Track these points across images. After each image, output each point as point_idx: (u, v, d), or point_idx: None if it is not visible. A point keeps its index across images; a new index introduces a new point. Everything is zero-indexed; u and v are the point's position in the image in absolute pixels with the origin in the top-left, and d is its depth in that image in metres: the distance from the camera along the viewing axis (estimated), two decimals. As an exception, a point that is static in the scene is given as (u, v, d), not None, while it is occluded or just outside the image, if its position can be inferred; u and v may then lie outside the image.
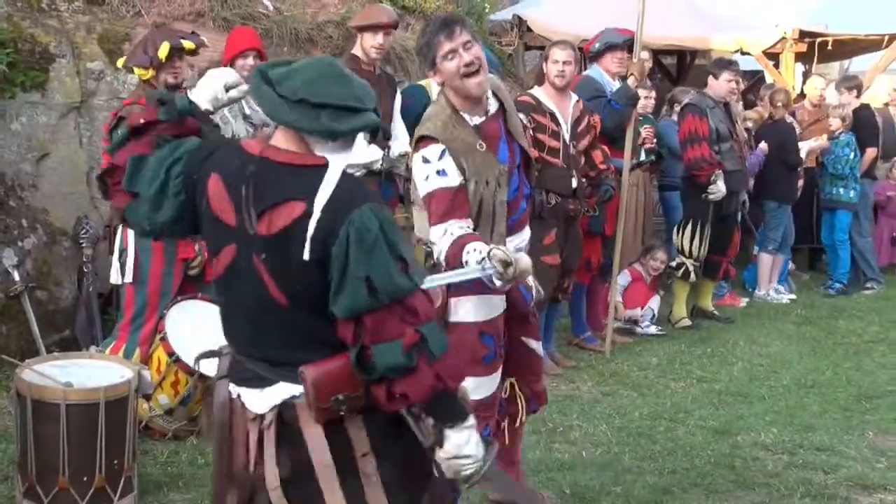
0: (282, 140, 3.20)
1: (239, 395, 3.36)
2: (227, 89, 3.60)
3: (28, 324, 6.54)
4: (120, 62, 6.37)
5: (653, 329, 9.22)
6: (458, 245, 4.47)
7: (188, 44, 6.23)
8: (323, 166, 3.13)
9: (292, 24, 8.55)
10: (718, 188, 9.03)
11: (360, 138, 6.94)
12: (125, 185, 3.34)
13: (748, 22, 12.57)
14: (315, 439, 3.24)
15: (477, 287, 4.64)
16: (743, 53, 12.55)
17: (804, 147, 10.52)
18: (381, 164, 7.04)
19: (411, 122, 7.47)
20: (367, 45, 7.12)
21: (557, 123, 7.40)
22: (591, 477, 5.76)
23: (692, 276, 9.37)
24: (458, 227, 4.55)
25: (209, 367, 5.64)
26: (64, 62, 7.53)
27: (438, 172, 4.60)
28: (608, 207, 8.26)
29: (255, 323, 3.25)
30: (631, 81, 8.20)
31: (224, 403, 3.41)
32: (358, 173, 7.01)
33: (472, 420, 3.30)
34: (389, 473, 3.28)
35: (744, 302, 10.60)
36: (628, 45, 8.43)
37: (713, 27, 12.30)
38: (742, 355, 8.54)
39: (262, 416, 3.30)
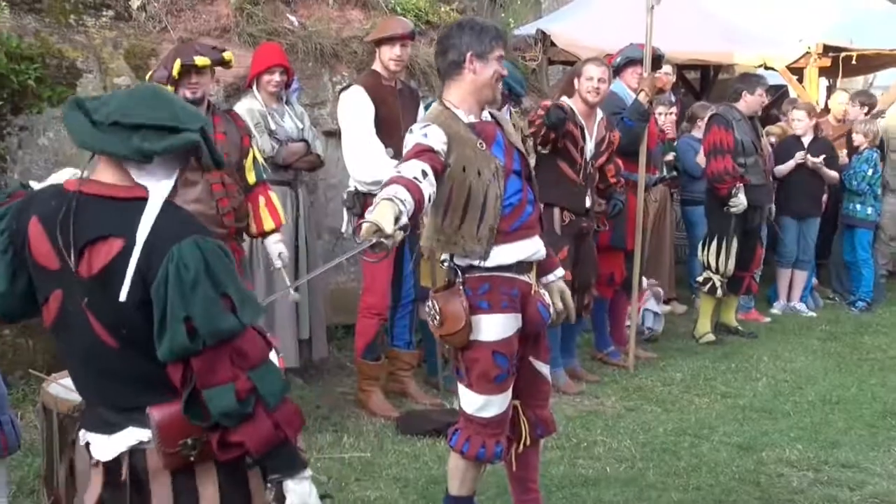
0: (102, 173, 2.97)
1: (88, 443, 3.15)
2: None
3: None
4: (147, 77, 6.36)
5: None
6: (385, 183, 4.33)
7: (201, 60, 6.14)
8: (143, 198, 2.91)
9: (317, 39, 8.57)
10: (739, 201, 9.02)
11: (384, 152, 6.93)
12: None
13: (772, 37, 12.52)
14: (160, 493, 3.05)
15: (496, 306, 4.71)
16: (766, 68, 12.52)
17: (785, 166, 10.39)
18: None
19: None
20: (385, 57, 7.12)
21: (584, 139, 7.42)
22: (616, 493, 5.75)
23: (718, 291, 9.34)
24: (405, 167, 4.43)
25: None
26: (91, 77, 7.57)
27: (423, 135, 4.61)
28: (629, 222, 8.26)
29: (92, 368, 3.03)
30: (642, 97, 8.19)
31: (83, 454, 3.19)
32: (379, 189, 7.02)
33: (309, 471, 3.07)
34: None
35: (768, 318, 10.57)
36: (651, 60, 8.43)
37: (737, 42, 12.27)
38: (766, 371, 8.51)
39: (107, 465, 3.08)
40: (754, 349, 9.23)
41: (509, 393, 4.82)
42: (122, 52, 7.81)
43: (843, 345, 9.60)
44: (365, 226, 4.07)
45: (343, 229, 7.35)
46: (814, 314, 10.78)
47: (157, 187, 2.94)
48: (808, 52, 12.24)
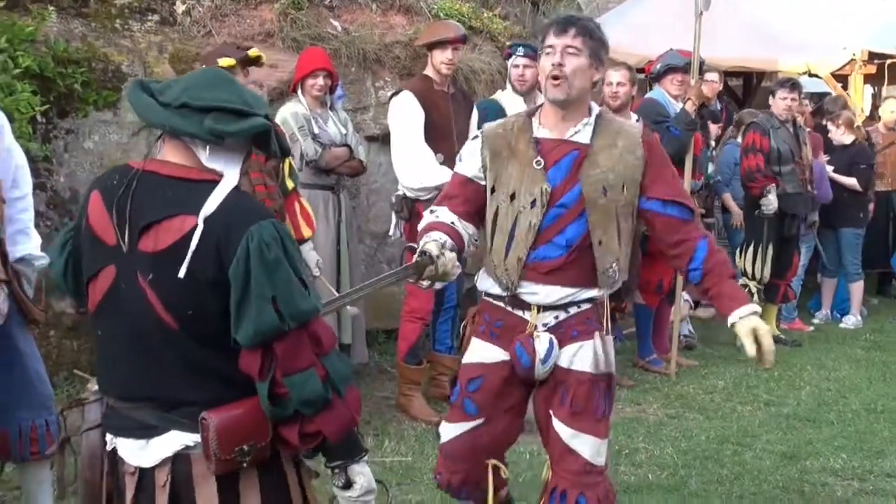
0: (169, 154, 2.94)
1: (115, 448, 3.00)
2: None
3: (98, 339, 6.59)
4: None
5: None
6: (423, 230, 4.20)
7: (225, 61, 5.99)
8: (215, 181, 2.87)
9: (360, 44, 8.59)
10: (770, 202, 9.02)
11: (433, 159, 6.92)
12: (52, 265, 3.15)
13: (816, 44, 12.45)
14: (205, 500, 2.91)
15: (476, 331, 4.40)
16: (811, 75, 12.45)
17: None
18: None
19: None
20: (437, 61, 7.13)
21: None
22: (658, 500, 5.73)
23: (754, 297, 9.29)
24: (440, 212, 4.28)
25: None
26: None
27: (459, 158, 4.39)
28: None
29: (141, 353, 2.88)
30: (689, 106, 8.15)
31: (94, 457, 3.05)
32: (428, 196, 7.07)
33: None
34: None
35: (811, 327, 10.49)
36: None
37: (781, 49, 12.21)
38: (810, 380, 8.45)
39: (143, 471, 2.94)
40: (797, 358, 9.16)
41: (467, 430, 4.35)
42: (166, 56, 7.85)
43: (888, 354, 9.51)
44: (423, 257, 3.97)
45: (391, 233, 7.39)
46: (850, 326, 10.66)
47: (229, 171, 2.90)
48: (852, 59, 12.17)
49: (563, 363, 4.18)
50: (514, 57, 7.81)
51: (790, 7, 13.42)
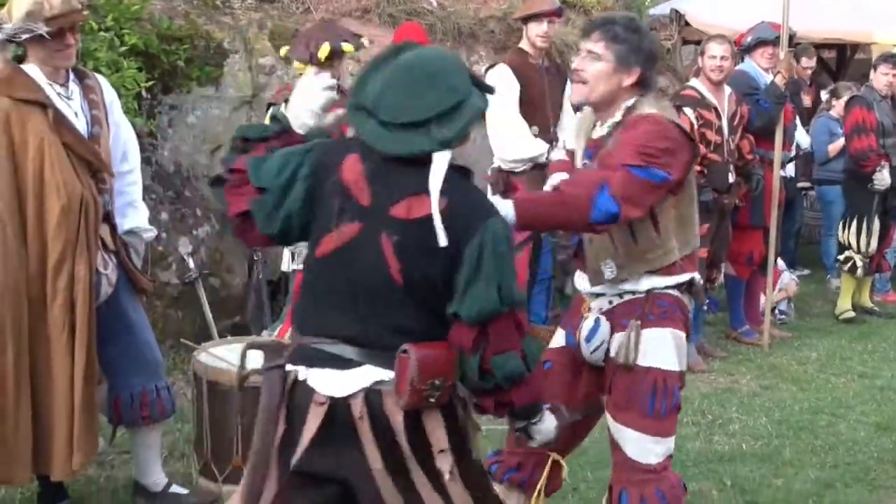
0: None
1: (306, 378, 3.21)
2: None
3: (202, 309, 6.69)
4: (283, 51, 6.39)
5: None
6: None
7: (348, 47, 6.10)
8: (453, 166, 3.12)
9: (455, 19, 8.58)
10: (884, 177, 8.83)
11: (528, 131, 6.81)
12: (253, 179, 3.22)
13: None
14: (397, 430, 3.14)
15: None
16: (908, 47, 12.17)
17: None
18: (547, 158, 6.96)
19: (578, 113, 7.46)
20: (532, 34, 7.10)
21: (719, 118, 7.34)
22: (752, 469, 5.66)
23: (860, 270, 9.14)
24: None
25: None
26: (237, 58, 7.68)
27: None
28: (767, 200, 8.11)
29: (357, 301, 3.16)
30: (779, 80, 8.00)
31: (274, 388, 3.23)
32: (523, 168, 7.02)
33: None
34: (463, 470, 3.23)
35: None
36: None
37: (875, 21, 11.93)
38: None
39: (334, 401, 3.16)
40: (891, 330, 8.98)
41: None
42: (266, 32, 7.91)
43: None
44: None
45: None
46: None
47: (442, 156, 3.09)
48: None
49: (611, 351, 4.02)
50: None
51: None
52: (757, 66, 8.34)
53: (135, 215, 4.86)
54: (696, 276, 4.11)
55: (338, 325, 3.19)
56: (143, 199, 5.07)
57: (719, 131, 7.32)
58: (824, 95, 11.03)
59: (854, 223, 9.07)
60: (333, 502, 3.26)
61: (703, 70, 7.52)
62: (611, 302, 4.06)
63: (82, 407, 4.45)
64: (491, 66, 7.25)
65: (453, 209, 3.06)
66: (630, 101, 3.95)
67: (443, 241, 3.03)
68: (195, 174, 7.48)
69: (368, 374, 3.15)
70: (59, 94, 4.48)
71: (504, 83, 6.99)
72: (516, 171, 6.99)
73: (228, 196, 3.28)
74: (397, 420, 3.14)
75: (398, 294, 3.12)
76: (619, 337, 3.98)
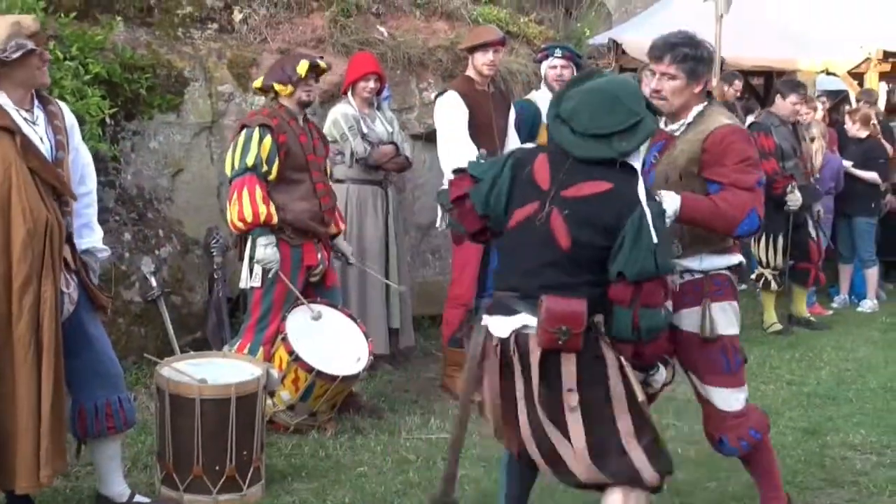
0: None
1: (488, 325, 3.98)
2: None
3: (164, 326, 6.64)
4: (257, 83, 6.37)
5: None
6: None
7: (323, 63, 6.35)
8: (624, 163, 3.87)
9: (405, 48, 8.58)
10: (796, 197, 8.88)
11: (477, 154, 6.92)
12: (471, 170, 4.16)
13: (833, 43, 12.34)
14: (534, 363, 3.84)
15: None
16: (829, 73, 12.34)
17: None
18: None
19: (523, 136, 7.49)
20: (479, 63, 7.12)
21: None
22: (689, 473, 5.68)
23: (772, 285, 9.23)
24: None
25: (327, 366, 5.76)
26: (197, 85, 7.64)
27: None
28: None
29: (530, 259, 3.90)
30: None
31: (477, 337, 4.01)
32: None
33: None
34: (594, 406, 3.84)
35: (829, 311, 10.37)
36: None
37: (800, 49, 12.12)
38: (830, 360, 8.36)
39: (501, 341, 3.91)
40: (817, 340, 9.07)
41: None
42: (225, 61, 7.87)
43: (904, 335, 9.43)
44: None
45: (437, 224, 7.43)
46: (866, 310, 10.52)
47: (636, 159, 3.92)
48: (868, 58, 12.06)
49: (682, 325, 4.56)
50: (551, 58, 7.78)
51: (809, 9, 13.30)
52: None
53: (91, 236, 4.83)
54: (742, 259, 4.77)
55: (511, 280, 3.98)
56: (107, 220, 5.06)
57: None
58: (750, 119, 11.14)
59: (763, 240, 9.15)
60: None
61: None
62: (673, 282, 4.44)
63: (51, 422, 4.40)
64: (441, 93, 7.25)
65: (619, 190, 3.83)
66: (700, 107, 4.57)
67: (607, 219, 3.79)
68: (157, 197, 7.43)
69: (521, 319, 3.88)
70: (25, 119, 4.45)
71: (453, 109, 7.02)
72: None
73: (453, 188, 4.23)
74: (535, 356, 3.83)
75: (562, 257, 3.84)
76: (687, 313, 4.54)
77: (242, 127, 6.13)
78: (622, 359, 3.90)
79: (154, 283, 6.79)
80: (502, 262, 4.10)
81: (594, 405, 3.84)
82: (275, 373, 5.42)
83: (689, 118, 4.57)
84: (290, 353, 5.97)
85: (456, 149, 6.98)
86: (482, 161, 4.29)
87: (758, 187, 4.45)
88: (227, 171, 6.13)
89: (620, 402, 3.88)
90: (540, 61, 7.95)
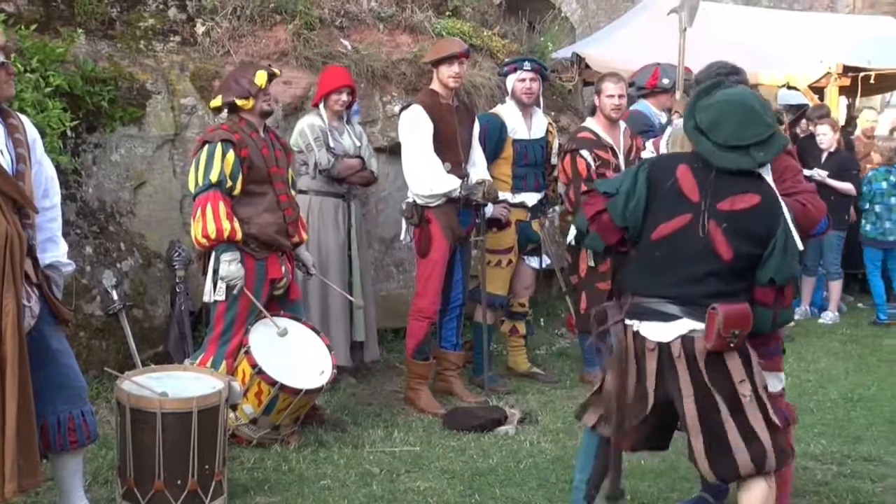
0: None
1: (638, 330, 4.31)
2: None
3: (126, 340, 6.62)
4: (215, 102, 6.29)
5: None
6: None
7: (277, 71, 6.37)
8: (761, 176, 4.27)
9: (368, 62, 8.59)
10: None
11: (441, 167, 7.00)
12: (600, 187, 4.53)
13: (795, 58, 12.46)
14: (704, 367, 4.19)
15: None
16: (790, 87, 12.46)
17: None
18: (460, 192, 7.03)
19: (488, 150, 7.51)
20: (444, 76, 7.12)
21: (616, 156, 7.42)
22: (650, 484, 5.73)
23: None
24: None
25: (290, 379, 5.75)
26: (159, 98, 7.62)
27: None
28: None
29: (687, 269, 4.22)
30: (676, 119, 8.13)
31: (621, 339, 4.37)
32: (437, 203, 7.10)
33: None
34: (757, 393, 4.23)
35: (791, 322, 10.41)
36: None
37: (762, 63, 12.20)
38: (791, 371, 8.38)
39: (661, 346, 4.25)
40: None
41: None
42: (188, 74, 7.86)
43: (864, 347, 9.52)
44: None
45: (401, 237, 7.43)
46: (826, 321, 10.60)
47: (765, 171, 4.29)
48: (828, 73, 12.19)
49: None
50: (520, 72, 7.78)
51: (771, 24, 13.46)
52: (651, 107, 8.48)
53: (55, 250, 4.79)
54: None
55: (665, 288, 4.26)
56: (68, 234, 5.02)
57: (617, 169, 7.37)
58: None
59: None
60: (666, 419, 4.41)
61: (601, 109, 7.57)
62: None
63: (17, 436, 4.34)
64: (405, 107, 7.25)
65: (767, 202, 4.21)
66: None
67: (761, 229, 4.19)
68: (119, 210, 7.40)
69: (685, 325, 4.21)
70: (-16, 132, 4.42)
71: (418, 122, 7.03)
72: (431, 205, 7.02)
73: (587, 207, 4.52)
74: (703, 358, 4.18)
75: (722, 266, 4.19)
76: None
77: (204, 143, 6.10)
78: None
79: (115, 297, 6.77)
80: (648, 271, 4.35)
81: (756, 396, 4.27)
82: (237, 386, 5.40)
83: None
84: (254, 366, 5.96)
85: (420, 162, 7.01)
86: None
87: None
88: (191, 187, 6.10)
89: (764, 392, 4.31)
90: (506, 74, 7.95)
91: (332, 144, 7.30)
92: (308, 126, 7.27)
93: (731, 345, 4.15)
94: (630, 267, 4.50)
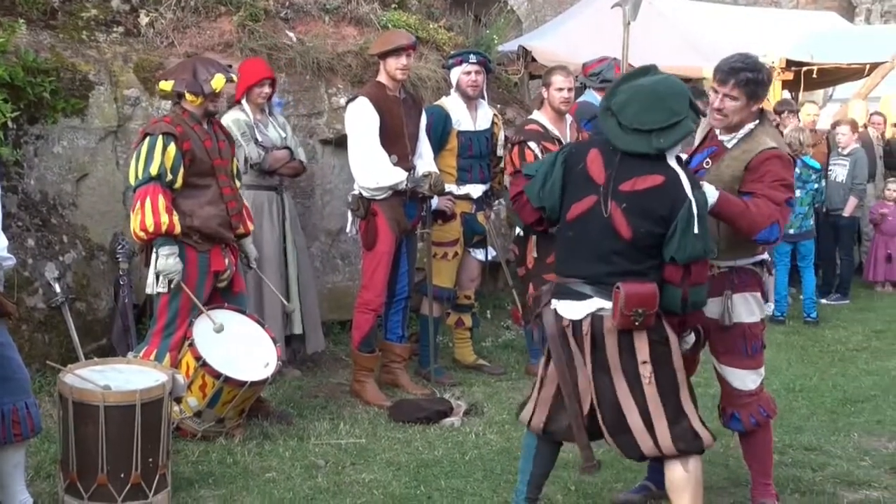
0: None
1: (556, 308, 4.54)
2: None
3: (68, 333, 6.56)
4: (166, 85, 6.22)
5: None
6: None
7: (234, 77, 6.38)
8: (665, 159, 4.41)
9: (314, 54, 8.56)
10: None
11: (388, 160, 7.06)
12: (525, 170, 4.89)
13: (739, 52, 12.56)
14: (610, 344, 4.39)
15: None
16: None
17: None
18: (406, 185, 7.05)
19: (433, 142, 7.52)
20: (392, 68, 7.12)
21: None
22: (595, 475, 5.75)
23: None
24: None
25: (234, 372, 5.75)
26: (102, 89, 7.56)
27: None
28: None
29: (594, 250, 4.41)
30: None
31: (550, 318, 4.57)
32: (383, 195, 7.11)
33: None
34: (661, 376, 4.42)
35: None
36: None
37: (707, 57, 12.30)
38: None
39: (574, 323, 4.47)
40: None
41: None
42: (131, 65, 7.79)
43: (805, 338, 9.66)
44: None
45: (347, 230, 7.43)
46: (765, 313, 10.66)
47: (670, 154, 4.43)
48: (772, 66, 12.28)
49: (707, 312, 4.95)
50: (465, 64, 7.79)
51: (715, 19, 13.62)
52: (598, 97, 8.53)
53: (-5, 244, 4.76)
54: (767, 256, 5.23)
55: (579, 268, 4.48)
56: (10, 226, 4.97)
57: (563, 161, 7.43)
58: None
59: None
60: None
61: (550, 101, 7.59)
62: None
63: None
64: (352, 99, 7.23)
65: (670, 183, 4.35)
66: (752, 125, 5.00)
67: (664, 209, 4.32)
68: (61, 202, 7.33)
69: (595, 303, 4.42)
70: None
71: (364, 115, 7.03)
72: (377, 197, 7.02)
73: (513, 186, 4.77)
74: (609, 336, 4.39)
75: (624, 245, 4.36)
76: (711, 301, 4.85)
77: (145, 135, 6.07)
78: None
79: (58, 290, 6.71)
80: (564, 251, 4.61)
81: (664, 377, 4.44)
82: (181, 378, 5.39)
83: (741, 134, 5.01)
84: (198, 358, 5.95)
85: (367, 155, 7.01)
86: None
87: (787, 206, 4.87)
88: (131, 180, 6.07)
89: (681, 372, 4.52)
90: (451, 67, 7.96)
91: (259, 138, 7.27)
92: (233, 122, 7.19)
93: (636, 323, 4.31)
94: (556, 249, 4.75)
